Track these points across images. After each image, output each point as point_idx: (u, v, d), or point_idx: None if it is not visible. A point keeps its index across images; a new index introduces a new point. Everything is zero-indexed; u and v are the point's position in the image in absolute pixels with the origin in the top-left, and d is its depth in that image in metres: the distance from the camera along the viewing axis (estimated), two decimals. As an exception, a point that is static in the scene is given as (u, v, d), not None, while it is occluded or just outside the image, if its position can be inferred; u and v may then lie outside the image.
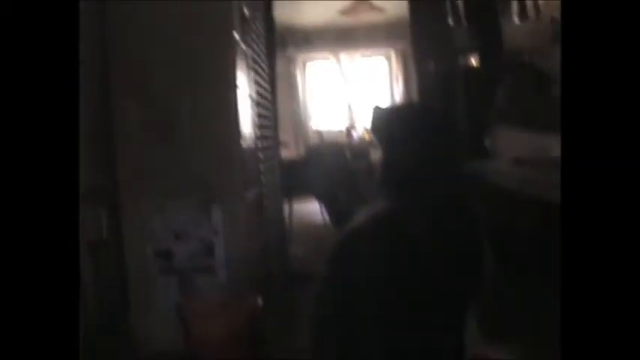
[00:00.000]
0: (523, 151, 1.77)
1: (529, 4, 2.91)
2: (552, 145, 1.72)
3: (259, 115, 3.29)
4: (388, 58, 10.44)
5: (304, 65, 10.41)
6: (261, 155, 3.19)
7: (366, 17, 9.57)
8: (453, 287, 1.42)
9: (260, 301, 2.66)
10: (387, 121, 1.69)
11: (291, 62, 10.07)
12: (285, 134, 7.37)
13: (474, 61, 4.71)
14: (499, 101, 2.09)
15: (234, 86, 2.42)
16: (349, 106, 10.32)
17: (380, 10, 9.41)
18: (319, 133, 9.44)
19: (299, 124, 10.10)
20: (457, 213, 1.63)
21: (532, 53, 2.32)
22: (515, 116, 1.97)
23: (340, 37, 9.80)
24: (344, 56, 10.32)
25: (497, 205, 1.54)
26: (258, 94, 3.34)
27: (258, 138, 3.11)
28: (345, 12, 9.45)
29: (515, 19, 5.48)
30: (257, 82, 3.31)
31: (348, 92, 10.38)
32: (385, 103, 8.60)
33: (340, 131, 9.58)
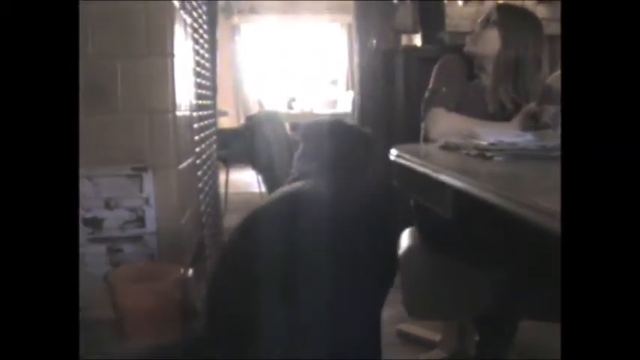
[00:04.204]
0: (452, 136, 1.81)
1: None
2: (478, 132, 1.76)
3: (198, 85, 3.26)
4: (333, 32, 10.42)
5: (248, 35, 10.29)
6: (197, 125, 3.16)
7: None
8: (364, 276, 1.44)
9: (190, 271, 2.65)
10: (315, 132, 1.87)
11: (235, 31, 9.95)
12: (225, 103, 7.31)
13: (414, 41, 4.76)
14: (434, 85, 2.13)
15: (171, 55, 2.39)
16: (291, 78, 10.28)
17: (326, -18, 9.38)
18: (260, 103, 9.38)
19: (240, 93, 10.02)
20: (379, 192, 1.68)
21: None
22: (447, 100, 2.01)
23: (286, 8, 9.72)
24: (288, 27, 10.25)
25: (418, 190, 1.58)
26: (197, 63, 3.30)
27: (195, 107, 3.08)
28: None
29: (460, 1, 5.54)
30: (196, 51, 3.27)
31: (291, 63, 10.33)
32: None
33: (281, 102, 9.56)
